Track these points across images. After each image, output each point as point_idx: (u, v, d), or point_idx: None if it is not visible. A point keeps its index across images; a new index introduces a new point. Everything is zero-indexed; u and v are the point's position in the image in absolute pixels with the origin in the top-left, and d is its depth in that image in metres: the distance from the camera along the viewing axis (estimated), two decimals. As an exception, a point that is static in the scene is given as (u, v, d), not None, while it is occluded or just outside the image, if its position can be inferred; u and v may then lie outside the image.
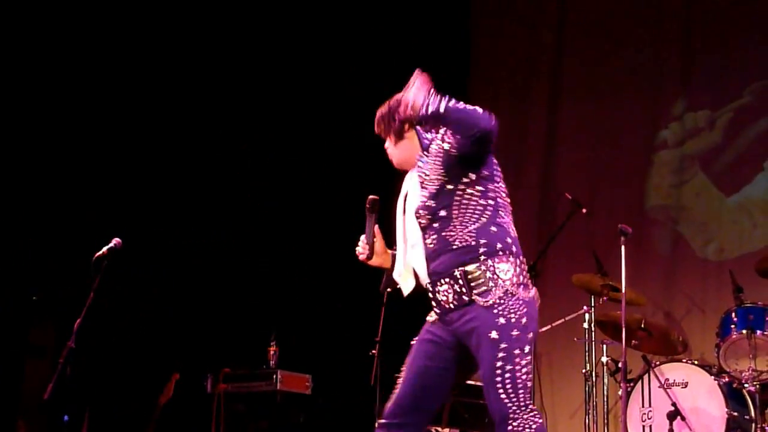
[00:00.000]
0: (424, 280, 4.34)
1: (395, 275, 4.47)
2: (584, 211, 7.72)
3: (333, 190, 8.99)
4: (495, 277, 4.15)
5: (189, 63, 9.04)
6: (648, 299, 7.81)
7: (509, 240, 4.24)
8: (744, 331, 6.92)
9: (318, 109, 9.24)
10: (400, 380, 4.36)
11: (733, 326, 7.00)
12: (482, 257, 4.17)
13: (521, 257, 4.26)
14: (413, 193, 4.39)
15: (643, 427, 7.03)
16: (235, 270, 9.02)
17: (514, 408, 4.07)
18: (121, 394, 8.38)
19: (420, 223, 4.31)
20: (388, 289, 4.57)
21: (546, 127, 9.46)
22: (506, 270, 4.18)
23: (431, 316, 4.37)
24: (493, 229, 4.22)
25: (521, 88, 9.65)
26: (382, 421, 4.35)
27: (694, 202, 8.76)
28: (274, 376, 7.89)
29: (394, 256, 4.51)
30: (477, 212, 4.22)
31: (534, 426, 4.08)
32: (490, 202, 4.25)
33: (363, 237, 4.50)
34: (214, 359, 8.22)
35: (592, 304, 7.51)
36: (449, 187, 4.24)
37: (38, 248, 8.30)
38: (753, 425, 6.82)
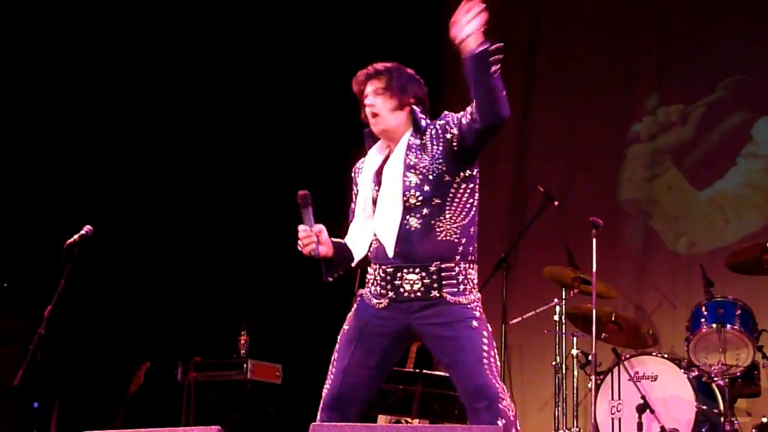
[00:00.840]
0: (390, 252, 4.22)
1: (348, 241, 4.33)
2: (556, 203, 7.73)
3: (304, 179, 8.95)
4: (466, 280, 4.21)
5: (169, 60, 9.00)
6: (619, 292, 7.85)
7: (475, 247, 4.28)
8: (714, 325, 6.95)
9: (282, 102, 9.23)
10: (335, 368, 4.29)
11: (703, 320, 7.03)
12: (458, 257, 4.20)
13: None
14: (392, 167, 4.27)
15: (612, 419, 7.06)
16: (206, 259, 9.00)
17: (500, 389, 4.11)
18: (92, 381, 8.36)
19: (407, 202, 4.21)
20: (329, 279, 4.39)
21: (519, 120, 9.45)
22: (474, 277, 4.25)
23: (378, 302, 4.27)
24: (473, 230, 4.26)
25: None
26: (323, 412, 4.27)
27: (666, 196, 8.79)
28: (245, 366, 7.89)
29: (337, 244, 4.30)
30: (466, 209, 4.23)
31: (513, 410, 4.13)
32: (475, 202, 4.27)
33: (302, 227, 4.22)
34: (185, 348, 8.21)
35: (563, 297, 7.53)
36: (447, 178, 4.20)
37: (9, 235, 8.26)
38: (722, 419, 6.87)
